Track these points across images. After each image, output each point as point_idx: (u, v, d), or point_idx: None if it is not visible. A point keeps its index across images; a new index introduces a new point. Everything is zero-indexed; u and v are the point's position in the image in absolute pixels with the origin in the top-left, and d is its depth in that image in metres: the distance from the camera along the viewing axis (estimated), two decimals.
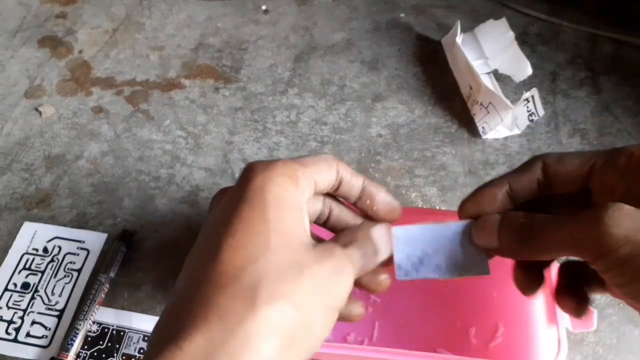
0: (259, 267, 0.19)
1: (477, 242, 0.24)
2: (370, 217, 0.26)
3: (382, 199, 0.25)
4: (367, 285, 0.25)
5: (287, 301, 0.19)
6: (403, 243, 0.25)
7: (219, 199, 0.23)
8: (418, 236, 0.25)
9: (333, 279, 0.21)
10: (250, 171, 0.22)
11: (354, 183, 0.25)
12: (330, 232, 0.27)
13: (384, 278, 0.25)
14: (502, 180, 0.25)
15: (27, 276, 0.40)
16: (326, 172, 0.24)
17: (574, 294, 0.26)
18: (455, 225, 0.25)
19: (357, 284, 0.24)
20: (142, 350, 0.37)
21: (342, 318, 0.23)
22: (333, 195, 0.26)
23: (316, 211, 0.26)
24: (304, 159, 0.23)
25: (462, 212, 0.26)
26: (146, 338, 0.37)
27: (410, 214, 0.37)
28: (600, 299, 0.39)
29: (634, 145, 0.22)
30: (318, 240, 0.25)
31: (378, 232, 0.24)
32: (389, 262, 0.25)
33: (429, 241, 0.25)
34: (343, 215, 0.26)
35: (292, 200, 0.21)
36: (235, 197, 0.21)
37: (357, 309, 0.25)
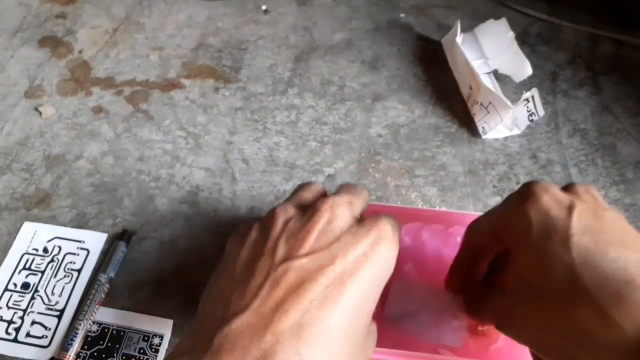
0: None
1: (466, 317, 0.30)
2: None
3: None
4: None
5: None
6: (399, 295, 0.30)
7: (243, 235, 0.25)
8: (413, 293, 0.30)
9: (373, 250, 0.22)
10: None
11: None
12: None
13: None
14: (458, 261, 0.29)
15: (27, 276, 0.40)
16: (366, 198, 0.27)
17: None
18: (448, 296, 0.29)
19: None
20: (142, 350, 0.37)
21: None
22: None
23: None
24: (356, 191, 0.26)
25: (449, 291, 0.30)
26: (146, 338, 0.37)
27: (410, 214, 0.37)
28: None
29: (507, 202, 0.25)
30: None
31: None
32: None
33: (421, 300, 0.30)
34: None
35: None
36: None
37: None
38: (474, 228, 0.27)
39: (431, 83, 0.52)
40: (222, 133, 0.48)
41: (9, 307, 0.39)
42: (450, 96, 0.51)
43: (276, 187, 0.44)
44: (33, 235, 0.42)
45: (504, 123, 0.46)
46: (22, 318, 0.38)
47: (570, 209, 0.21)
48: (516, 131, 0.48)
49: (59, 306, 0.39)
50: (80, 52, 0.55)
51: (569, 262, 0.20)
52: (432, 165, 0.46)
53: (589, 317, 0.19)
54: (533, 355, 0.25)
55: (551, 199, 0.22)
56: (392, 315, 0.28)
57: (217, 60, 0.54)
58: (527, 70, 0.49)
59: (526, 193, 0.23)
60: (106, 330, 0.38)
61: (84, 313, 0.37)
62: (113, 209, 0.43)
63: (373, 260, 0.22)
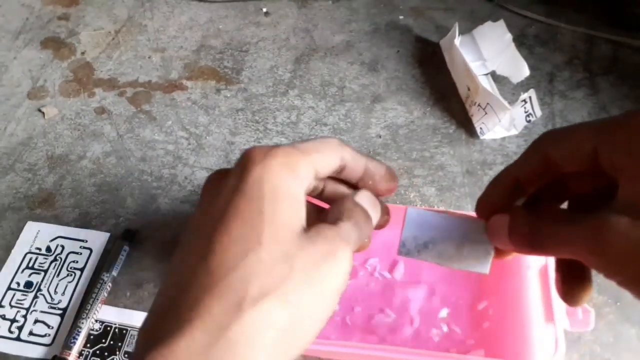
0: (248, 263, 0.19)
1: (495, 245, 0.25)
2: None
3: (383, 176, 0.25)
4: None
5: (276, 298, 0.18)
6: (414, 224, 0.26)
7: (214, 184, 0.22)
8: (430, 221, 0.26)
9: (327, 264, 0.20)
10: (248, 160, 0.21)
11: (356, 167, 0.24)
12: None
13: (365, 241, 0.25)
14: (509, 172, 0.24)
15: (30, 275, 0.40)
16: (328, 160, 0.23)
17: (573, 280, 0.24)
18: (468, 221, 0.26)
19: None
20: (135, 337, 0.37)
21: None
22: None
23: (310, 188, 0.25)
24: (306, 144, 0.22)
25: (478, 212, 0.26)
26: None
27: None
28: (597, 298, 0.39)
29: (632, 114, 0.20)
30: (319, 212, 0.24)
31: (364, 197, 0.24)
32: (376, 228, 0.25)
33: (439, 229, 0.26)
34: (337, 187, 0.26)
35: (290, 191, 0.21)
36: (232, 189, 0.21)
37: (364, 242, 0.24)
38: (558, 137, 0.22)
39: (430, 84, 0.52)
40: (224, 134, 0.49)
41: (12, 306, 0.39)
42: (448, 97, 0.51)
43: None
44: (36, 234, 0.42)
45: (502, 124, 0.46)
46: (25, 317, 0.39)
47: None
48: (514, 132, 0.48)
49: (62, 305, 0.39)
50: (83, 53, 0.56)
51: None
52: (430, 165, 0.46)
53: None
54: None
55: None
56: (407, 246, 0.25)
57: (218, 62, 0.55)
58: (525, 71, 0.49)
59: None
60: (109, 328, 0.38)
61: (87, 311, 0.37)
62: (116, 209, 0.44)
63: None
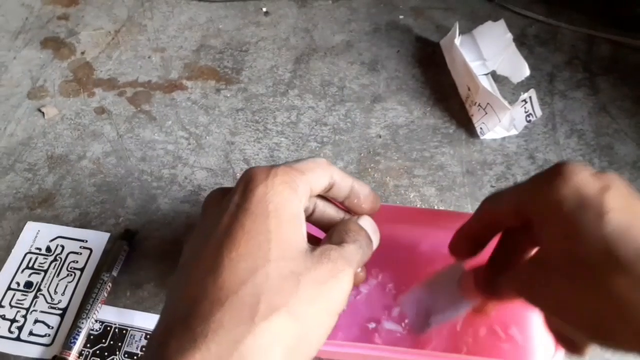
0: (258, 279, 0.19)
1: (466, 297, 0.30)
2: (353, 212, 0.27)
3: (367, 197, 0.27)
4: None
5: (285, 313, 0.19)
6: (409, 305, 0.30)
7: (216, 202, 0.23)
8: (419, 295, 0.30)
9: (330, 283, 0.21)
10: (250, 179, 0.22)
11: (343, 185, 0.26)
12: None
13: (361, 274, 0.26)
14: (465, 229, 0.29)
15: (30, 275, 0.40)
16: (321, 178, 0.24)
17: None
18: (443, 276, 0.30)
19: None
20: (144, 349, 0.37)
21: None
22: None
23: (306, 207, 0.26)
24: (301, 164, 0.24)
25: (452, 255, 0.30)
26: (148, 336, 0.38)
27: (408, 213, 0.38)
28: None
29: (537, 180, 0.24)
30: (315, 240, 0.25)
31: (367, 222, 0.26)
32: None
33: (424, 299, 0.30)
34: (327, 209, 0.27)
35: (291, 209, 0.22)
36: (236, 207, 0.21)
37: (359, 275, 0.25)
38: (494, 199, 0.27)
39: (430, 84, 0.52)
40: (224, 134, 0.49)
41: (12, 306, 0.39)
42: (448, 97, 0.51)
43: None
44: (36, 234, 0.42)
45: (502, 124, 0.46)
46: (25, 317, 0.39)
47: (604, 189, 0.22)
48: (514, 132, 0.48)
49: (62, 305, 0.39)
50: (83, 53, 0.56)
51: (604, 236, 0.21)
52: (430, 165, 0.46)
53: (626, 286, 0.20)
54: (553, 330, 0.25)
55: (584, 178, 0.22)
56: (416, 327, 0.30)
57: (218, 62, 0.55)
58: (525, 71, 0.49)
59: (557, 171, 0.23)
60: (109, 328, 0.38)
61: (87, 311, 0.38)
62: (115, 209, 0.44)
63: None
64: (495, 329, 0.36)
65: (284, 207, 0.21)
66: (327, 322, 0.21)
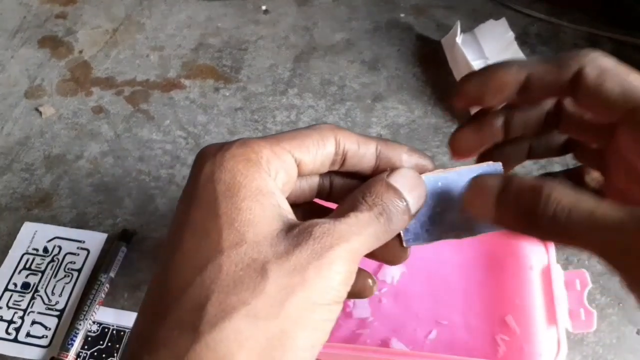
0: (206, 277, 0.16)
1: (467, 209, 0.19)
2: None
3: (406, 162, 0.20)
4: (383, 256, 0.19)
5: (244, 314, 0.15)
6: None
7: (182, 195, 0.19)
8: (427, 190, 0.20)
9: (313, 268, 0.16)
10: (198, 160, 0.18)
11: (363, 152, 0.20)
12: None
13: (369, 283, 0.20)
14: (521, 67, 0.19)
15: (27, 276, 0.40)
16: (315, 148, 0.19)
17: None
18: (469, 171, 0.20)
19: (372, 255, 0.19)
20: None
21: (351, 296, 0.18)
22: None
23: (312, 186, 0.21)
24: (282, 133, 0.19)
25: (460, 97, 0.21)
26: None
27: None
28: (600, 300, 0.39)
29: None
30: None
31: (402, 177, 0.18)
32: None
33: (440, 195, 0.20)
34: (348, 183, 0.21)
35: (253, 186, 0.17)
36: (184, 195, 0.18)
37: (366, 285, 0.20)
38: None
39: (431, 83, 0.52)
40: (222, 133, 0.48)
41: (9, 307, 0.39)
42: (450, 96, 0.51)
43: None
44: (33, 235, 0.42)
45: None
46: (22, 318, 0.38)
47: None
48: None
49: (59, 306, 0.39)
50: (81, 52, 0.55)
51: None
52: None
53: None
54: None
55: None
56: (412, 229, 0.19)
57: (217, 61, 0.54)
58: None
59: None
60: (106, 330, 0.38)
61: (84, 313, 0.37)
62: (113, 209, 0.43)
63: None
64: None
65: (241, 185, 0.17)
66: (313, 318, 0.16)
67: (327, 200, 0.21)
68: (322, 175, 0.21)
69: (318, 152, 0.19)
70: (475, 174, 0.20)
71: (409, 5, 0.59)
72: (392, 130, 0.49)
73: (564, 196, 0.16)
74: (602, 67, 0.18)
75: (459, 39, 0.50)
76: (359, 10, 0.59)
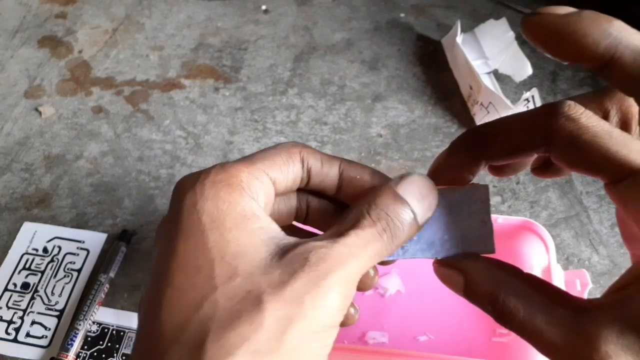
0: (203, 314, 0.15)
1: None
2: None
3: (367, 183, 0.19)
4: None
5: (245, 351, 0.15)
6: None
7: (161, 229, 0.18)
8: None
9: (311, 297, 0.15)
10: (178, 191, 0.17)
11: (326, 171, 0.19)
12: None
13: (372, 276, 0.20)
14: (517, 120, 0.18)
15: (27, 276, 0.40)
16: (285, 166, 0.19)
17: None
18: (453, 194, 0.19)
19: None
20: None
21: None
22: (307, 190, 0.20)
23: (289, 209, 0.20)
24: (253, 154, 0.19)
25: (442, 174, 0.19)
26: None
27: None
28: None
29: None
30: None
31: (411, 186, 0.17)
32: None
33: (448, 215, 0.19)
34: (326, 207, 0.21)
35: (236, 211, 0.17)
36: (168, 230, 0.17)
37: (350, 314, 0.20)
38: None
39: (431, 83, 0.52)
40: (222, 133, 0.48)
41: (8, 307, 0.39)
42: (450, 96, 0.51)
43: None
44: (33, 235, 0.42)
45: None
46: (22, 318, 0.38)
47: None
48: None
49: (59, 306, 0.39)
50: (80, 52, 0.55)
51: None
52: None
53: None
54: None
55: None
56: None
57: (217, 60, 0.54)
58: (528, 70, 0.49)
59: None
60: (106, 330, 0.38)
61: (84, 313, 0.37)
62: (113, 209, 0.43)
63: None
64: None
65: (225, 213, 0.16)
66: (312, 346, 0.16)
67: (304, 223, 0.21)
68: (298, 197, 0.21)
69: (289, 170, 0.19)
70: (458, 197, 0.19)
71: (409, 5, 0.59)
72: (392, 130, 0.48)
73: (518, 310, 0.17)
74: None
75: (459, 38, 0.50)
76: (359, 10, 0.59)
